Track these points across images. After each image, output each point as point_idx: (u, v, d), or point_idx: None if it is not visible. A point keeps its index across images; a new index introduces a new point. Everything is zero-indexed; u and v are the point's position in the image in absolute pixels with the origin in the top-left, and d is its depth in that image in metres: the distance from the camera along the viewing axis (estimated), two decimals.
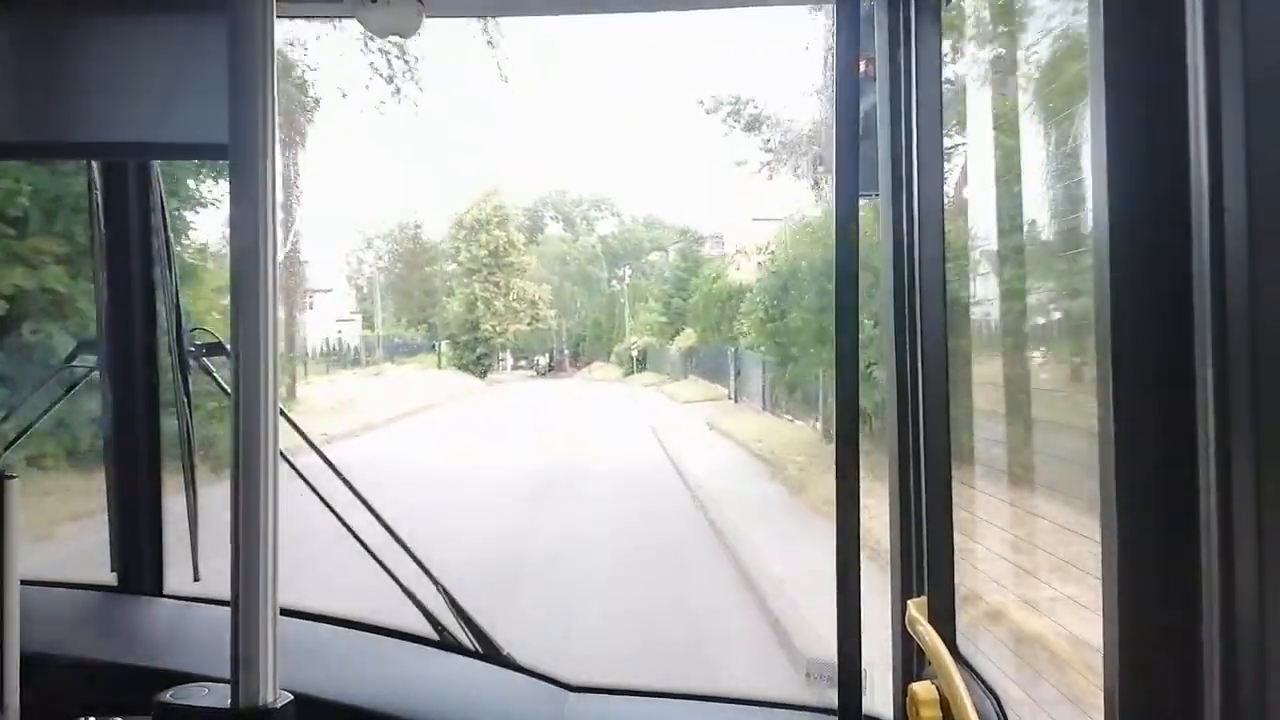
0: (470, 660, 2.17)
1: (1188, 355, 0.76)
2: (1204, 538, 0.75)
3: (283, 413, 1.39)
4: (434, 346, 57.09)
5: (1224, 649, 0.72)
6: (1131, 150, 0.81)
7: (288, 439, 1.48)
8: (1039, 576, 1.67)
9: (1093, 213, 0.85)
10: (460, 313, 56.84)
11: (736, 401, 26.33)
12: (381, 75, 20.81)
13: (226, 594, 1.26)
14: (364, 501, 2.22)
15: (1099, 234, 0.84)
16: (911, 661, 1.62)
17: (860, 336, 1.41)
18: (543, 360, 61.20)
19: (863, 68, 1.54)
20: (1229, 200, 0.71)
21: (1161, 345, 0.79)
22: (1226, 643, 0.72)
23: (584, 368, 59.49)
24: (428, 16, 1.53)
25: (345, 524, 2.20)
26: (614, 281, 62.38)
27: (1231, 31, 0.72)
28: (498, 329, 56.47)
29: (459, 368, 53.34)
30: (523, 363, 61.26)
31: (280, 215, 1.30)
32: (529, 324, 57.82)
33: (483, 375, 53.18)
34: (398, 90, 20.66)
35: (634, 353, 51.45)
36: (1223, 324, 0.71)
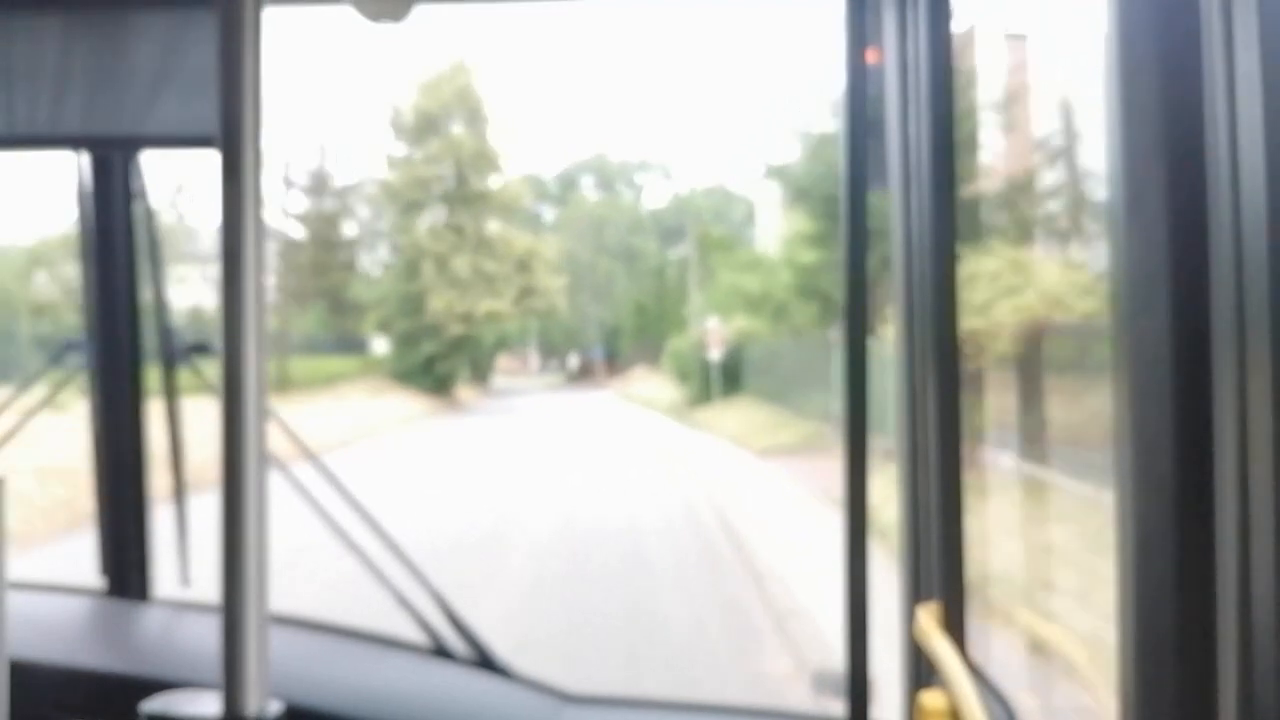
0: (465, 669, 2.13)
1: (1205, 344, 0.74)
2: (1220, 534, 0.72)
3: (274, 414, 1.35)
4: (357, 342, 33.14)
5: (1240, 648, 0.70)
6: (1146, 136, 0.79)
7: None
8: None
9: (1106, 200, 0.83)
10: (393, 281, 32.44)
11: None
12: None
13: (216, 598, 1.23)
14: (359, 508, 2.18)
15: (1113, 223, 0.81)
16: (920, 669, 1.58)
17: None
18: (573, 363, 40.34)
19: (872, 57, 1.50)
20: (1245, 184, 0.69)
21: (1178, 334, 0.77)
22: (1243, 642, 0.70)
23: (620, 375, 38.20)
24: (419, 2, 1.49)
25: (340, 530, 2.16)
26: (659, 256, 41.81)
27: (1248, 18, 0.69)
28: (457, 309, 31.18)
29: (402, 380, 30.20)
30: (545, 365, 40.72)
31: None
32: (515, 301, 32.67)
33: (440, 393, 30.49)
34: None
35: (711, 355, 24.25)
36: (1240, 314, 0.69)
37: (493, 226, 32.97)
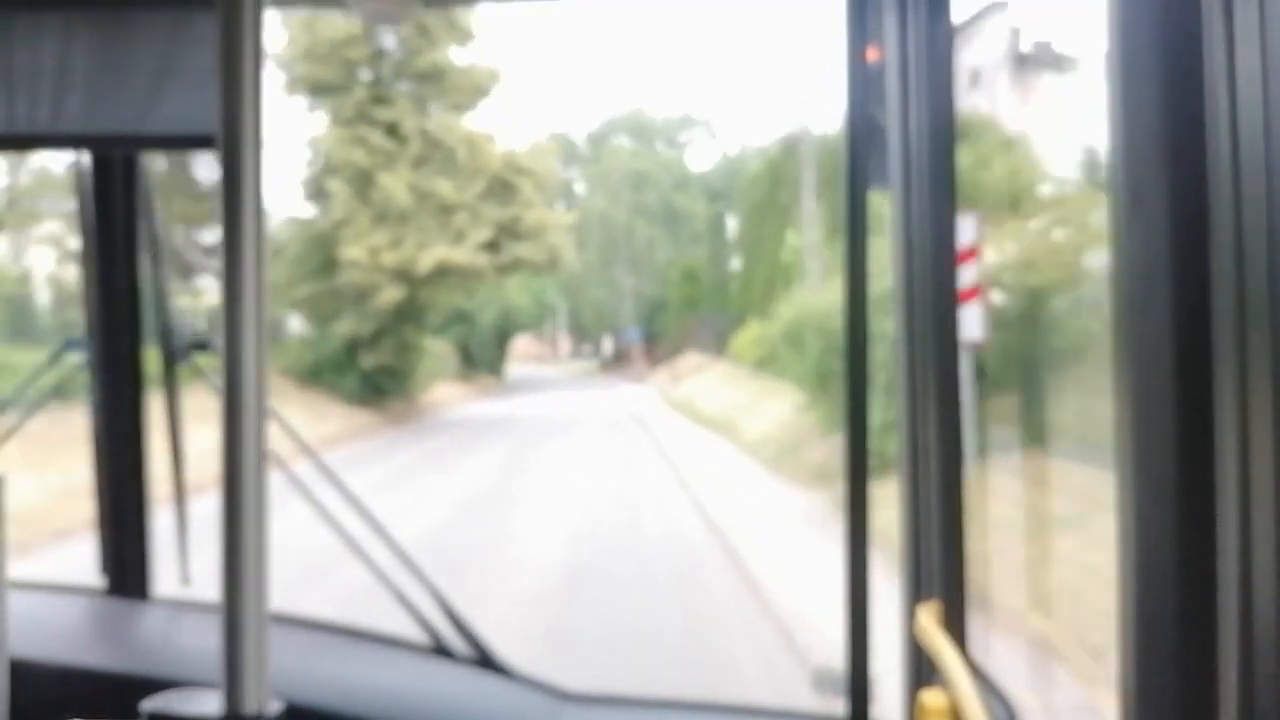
0: (465, 667, 2.13)
1: (1206, 343, 0.74)
2: (1221, 533, 0.72)
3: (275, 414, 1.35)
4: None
5: (1241, 648, 0.70)
6: (1146, 136, 0.79)
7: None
8: None
9: (1107, 198, 0.83)
10: (294, 219, 19.48)
11: None
12: None
13: (216, 597, 1.23)
14: (359, 506, 2.19)
15: (1114, 221, 0.81)
16: (921, 668, 1.58)
17: None
18: (608, 348, 32.12)
19: (872, 55, 1.50)
20: (1247, 183, 0.69)
21: (1179, 332, 0.77)
22: (1244, 642, 0.69)
23: (665, 363, 28.46)
24: (421, 4, 1.49)
25: (340, 528, 2.16)
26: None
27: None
28: (387, 261, 18.25)
29: (312, 380, 18.37)
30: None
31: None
32: (489, 247, 19.27)
33: (373, 402, 18.99)
34: None
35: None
36: (1242, 312, 0.69)
37: (452, 122, 19.08)
